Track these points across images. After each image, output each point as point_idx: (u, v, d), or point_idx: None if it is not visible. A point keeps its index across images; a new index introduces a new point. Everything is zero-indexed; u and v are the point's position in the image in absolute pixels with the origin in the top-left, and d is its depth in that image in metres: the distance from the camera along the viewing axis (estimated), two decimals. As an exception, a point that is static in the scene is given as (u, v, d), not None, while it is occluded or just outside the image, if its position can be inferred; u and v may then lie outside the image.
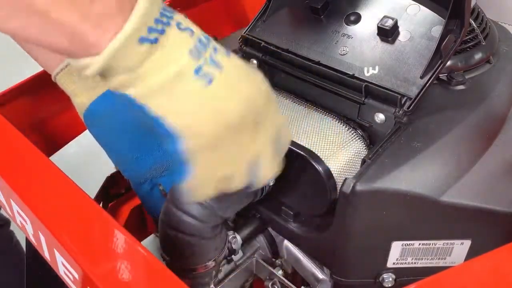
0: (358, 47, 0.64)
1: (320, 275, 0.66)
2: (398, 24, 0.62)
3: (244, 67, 0.45)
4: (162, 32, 0.40)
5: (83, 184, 0.55)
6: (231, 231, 0.65)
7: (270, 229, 0.69)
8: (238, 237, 0.65)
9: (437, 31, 0.60)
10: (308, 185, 0.59)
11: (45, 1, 0.36)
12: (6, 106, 0.74)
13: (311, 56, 0.66)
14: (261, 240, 0.69)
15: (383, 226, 0.55)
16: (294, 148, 0.58)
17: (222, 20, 1.06)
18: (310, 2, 0.69)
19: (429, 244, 0.56)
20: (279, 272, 0.67)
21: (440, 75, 0.62)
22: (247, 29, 0.73)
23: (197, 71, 0.41)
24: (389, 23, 0.61)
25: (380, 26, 0.62)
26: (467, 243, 0.57)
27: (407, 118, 0.58)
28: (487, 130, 0.60)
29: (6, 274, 1.03)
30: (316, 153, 0.57)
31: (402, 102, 0.58)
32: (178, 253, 0.58)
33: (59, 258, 0.50)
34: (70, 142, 0.86)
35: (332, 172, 0.57)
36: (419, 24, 0.62)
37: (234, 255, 0.66)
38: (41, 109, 0.80)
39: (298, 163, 0.58)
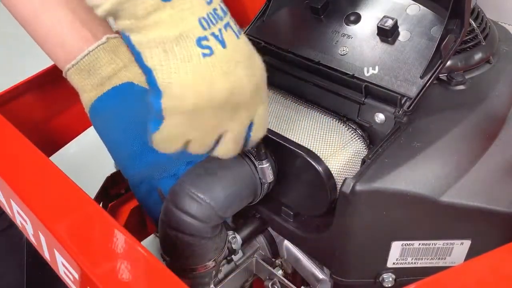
0: (358, 47, 0.64)
1: (320, 275, 0.66)
2: (398, 24, 0.62)
3: (247, 53, 0.45)
4: None
5: (83, 184, 0.55)
6: (231, 231, 0.65)
7: (270, 229, 0.69)
8: (238, 237, 0.65)
9: (437, 31, 0.60)
10: (308, 185, 0.59)
11: None
12: (6, 106, 0.74)
13: (311, 56, 0.66)
14: (261, 240, 0.69)
15: (383, 226, 0.55)
16: (294, 148, 0.58)
17: (222, 20, 1.05)
18: (310, 2, 0.69)
19: (429, 244, 0.56)
20: (279, 272, 0.67)
21: (440, 75, 0.62)
22: (247, 29, 0.73)
23: (201, 40, 0.42)
24: (389, 23, 0.61)
25: (380, 26, 0.62)
26: (467, 243, 0.57)
27: (407, 118, 0.58)
28: (487, 130, 0.60)
29: (13, 274, 1.03)
30: (316, 153, 0.57)
31: (402, 102, 0.58)
32: (178, 253, 0.58)
33: (59, 258, 0.50)
34: (70, 142, 0.86)
35: (332, 172, 0.57)
36: (419, 24, 0.62)
37: (234, 255, 0.66)
38: (41, 109, 0.80)
39: (298, 163, 0.58)
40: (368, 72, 0.61)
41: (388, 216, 0.54)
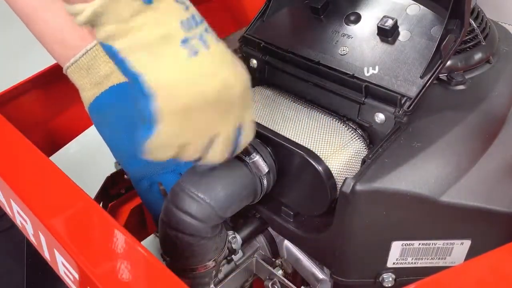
0: (358, 47, 0.64)
1: (320, 275, 0.66)
2: (398, 24, 0.62)
3: (229, 55, 0.46)
4: None
5: (83, 184, 0.55)
6: (231, 231, 0.65)
7: (270, 229, 0.69)
8: (238, 237, 0.65)
9: (437, 31, 0.60)
10: (308, 185, 0.59)
11: None
12: (6, 106, 0.74)
13: (311, 56, 0.66)
14: (261, 240, 0.69)
15: (383, 226, 0.55)
16: (294, 148, 0.58)
17: (222, 20, 1.06)
18: (310, 2, 0.69)
19: (429, 244, 0.56)
20: (279, 272, 0.67)
21: (440, 75, 0.62)
22: (247, 29, 0.73)
23: (185, 41, 0.43)
24: (389, 23, 0.61)
25: (380, 26, 0.62)
26: (467, 243, 0.57)
27: (407, 118, 0.58)
28: (487, 130, 0.60)
29: (14, 274, 1.03)
30: (316, 153, 0.57)
31: (402, 102, 0.58)
32: (178, 253, 0.58)
33: (59, 258, 0.50)
34: (70, 142, 0.86)
35: (332, 172, 0.57)
36: (419, 24, 0.62)
37: (234, 255, 0.66)
38: (41, 109, 0.80)
39: (298, 163, 0.58)
40: (368, 72, 0.61)
41: (388, 216, 0.54)
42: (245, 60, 0.74)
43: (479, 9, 0.69)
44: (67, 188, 0.53)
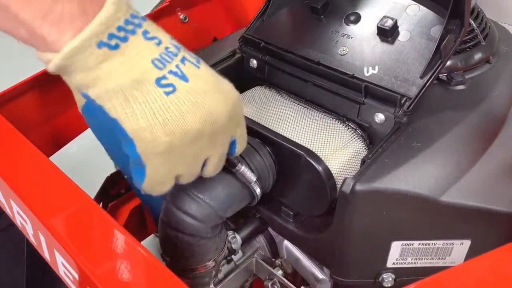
0: (358, 47, 0.64)
1: (320, 275, 0.66)
2: (398, 24, 0.62)
3: (212, 81, 0.46)
4: (124, 39, 0.41)
5: (83, 184, 0.55)
6: (231, 231, 0.65)
7: (270, 229, 0.69)
8: (238, 237, 0.65)
9: (437, 31, 0.60)
10: (308, 185, 0.59)
11: None
12: (6, 106, 0.74)
13: (311, 56, 0.66)
14: (261, 240, 0.69)
15: (383, 226, 0.55)
16: (294, 148, 0.58)
17: (222, 20, 1.06)
18: (310, 2, 0.69)
19: (429, 244, 0.56)
20: (279, 272, 0.67)
21: (440, 75, 0.62)
22: (247, 29, 0.73)
23: (159, 80, 0.42)
24: (389, 23, 0.61)
25: (380, 26, 0.62)
26: (467, 243, 0.57)
27: (407, 118, 0.58)
28: (487, 130, 0.60)
29: (14, 274, 1.03)
30: (316, 153, 0.57)
31: (402, 102, 0.58)
32: (178, 253, 0.58)
33: (59, 258, 0.50)
34: (70, 142, 0.86)
35: (332, 172, 0.57)
36: (419, 24, 0.62)
37: (234, 255, 0.66)
38: (41, 109, 0.80)
39: (298, 163, 0.58)
40: (368, 72, 0.61)
41: (388, 216, 0.54)
42: (245, 60, 0.74)
43: (479, 9, 0.69)
44: (67, 188, 0.53)
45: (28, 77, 0.77)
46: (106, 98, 0.42)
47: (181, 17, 1.00)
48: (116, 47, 0.41)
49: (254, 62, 0.72)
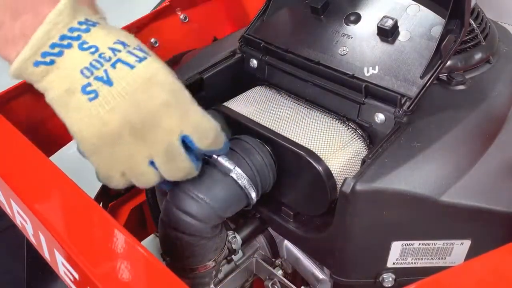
0: (358, 47, 0.64)
1: (320, 275, 0.66)
2: (398, 24, 0.62)
3: (144, 77, 0.48)
4: (59, 54, 0.47)
5: (83, 184, 0.55)
6: (231, 231, 0.65)
7: (270, 229, 0.69)
8: (238, 237, 0.65)
9: (437, 31, 0.60)
10: (308, 185, 0.59)
11: None
12: (6, 106, 0.74)
13: (311, 56, 0.66)
14: (261, 240, 0.69)
15: (383, 226, 0.55)
16: (294, 148, 0.58)
17: (222, 20, 1.06)
18: (310, 2, 0.69)
19: (429, 244, 0.56)
20: (279, 272, 0.67)
21: (440, 75, 0.62)
22: (247, 29, 0.73)
23: (85, 87, 0.47)
24: (389, 23, 0.61)
25: (380, 26, 0.62)
26: (467, 243, 0.57)
27: (407, 118, 0.58)
28: (487, 130, 0.60)
29: (14, 274, 1.03)
30: (316, 153, 0.57)
31: (402, 102, 0.58)
32: (178, 253, 0.58)
33: (59, 258, 0.50)
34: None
35: (332, 172, 0.57)
36: (419, 24, 0.62)
37: (234, 255, 0.66)
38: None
39: (298, 163, 0.58)
40: (368, 72, 0.61)
41: (388, 216, 0.54)
42: (245, 60, 0.74)
43: (479, 9, 0.69)
44: (67, 188, 0.53)
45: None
46: (54, 105, 0.48)
47: (181, 17, 1.00)
48: (52, 62, 0.47)
49: (254, 62, 0.72)
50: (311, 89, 0.66)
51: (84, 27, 0.48)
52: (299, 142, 0.59)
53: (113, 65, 0.47)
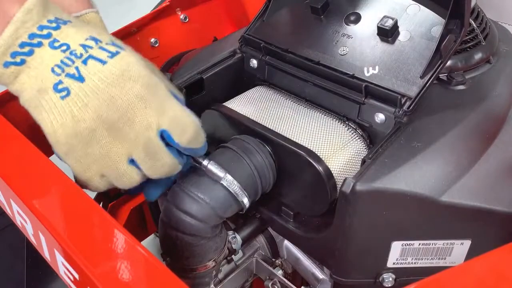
0: (358, 47, 0.64)
1: (320, 275, 0.66)
2: (398, 24, 0.62)
3: (117, 71, 0.47)
4: (30, 53, 0.46)
5: (83, 184, 0.55)
6: (231, 231, 0.65)
7: (270, 229, 0.69)
8: (238, 237, 0.65)
9: (437, 31, 0.60)
10: (308, 185, 0.59)
11: None
12: (6, 106, 0.74)
13: (311, 56, 0.66)
14: (261, 240, 0.69)
15: (383, 226, 0.55)
16: (294, 148, 0.58)
17: (222, 20, 1.06)
18: (310, 2, 0.69)
19: (429, 244, 0.56)
20: (279, 272, 0.67)
21: (440, 75, 0.62)
22: (247, 29, 0.73)
23: (56, 85, 0.46)
24: (389, 23, 0.61)
25: (380, 26, 0.62)
26: (467, 243, 0.57)
27: (407, 118, 0.58)
28: (487, 130, 0.60)
29: (14, 274, 1.03)
30: (316, 153, 0.57)
31: (402, 102, 0.58)
32: (178, 253, 0.58)
33: (59, 258, 0.50)
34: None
35: (332, 172, 0.57)
36: (419, 24, 0.62)
37: (234, 255, 0.66)
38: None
39: (298, 163, 0.58)
40: (368, 72, 0.61)
41: (388, 216, 0.54)
42: (245, 60, 0.74)
43: (479, 9, 0.69)
44: (67, 188, 0.53)
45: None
46: (28, 106, 0.47)
47: (181, 17, 1.00)
48: (22, 62, 0.46)
49: (254, 62, 0.72)
50: (311, 89, 0.66)
51: (54, 25, 0.47)
52: (299, 142, 0.59)
53: (85, 62, 0.47)
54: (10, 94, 0.78)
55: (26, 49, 0.46)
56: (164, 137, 0.50)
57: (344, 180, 0.53)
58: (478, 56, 0.66)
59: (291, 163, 0.59)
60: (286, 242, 0.68)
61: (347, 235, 0.56)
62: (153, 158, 0.50)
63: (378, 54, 0.62)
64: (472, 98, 0.62)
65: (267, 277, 0.67)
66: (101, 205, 0.91)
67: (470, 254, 0.57)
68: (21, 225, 0.58)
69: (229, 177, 0.56)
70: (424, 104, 0.59)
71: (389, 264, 0.58)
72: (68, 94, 0.46)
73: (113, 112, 0.47)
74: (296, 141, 0.59)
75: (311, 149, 0.58)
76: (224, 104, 0.68)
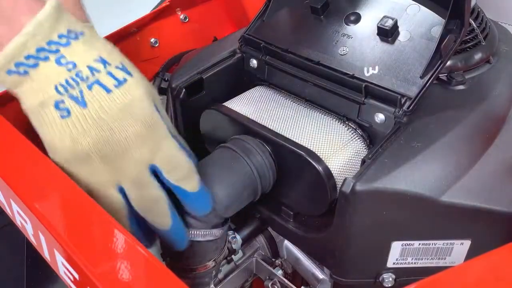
0: (358, 47, 0.64)
1: (320, 275, 0.66)
2: (398, 24, 0.62)
3: (119, 105, 0.47)
4: (34, 66, 0.46)
5: (83, 184, 0.55)
6: (231, 231, 0.65)
7: (270, 229, 0.69)
8: (238, 237, 0.65)
9: (437, 31, 0.60)
10: (308, 185, 0.59)
11: None
12: (6, 106, 0.74)
13: (311, 56, 0.66)
14: (261, 240, 0.69)
15: (383, 226, 0.55)
16: (294, 148, 0.58)
17: (222, 20, 1.06)
18: (310, 2, 0.69)
19: (429, 244, 0.56)
20: (279, 272, 0.67)
21: (440, 75, 0.62)
22: (247, 29, 0.73)
23: (58, 103, 0.46)
24: (389, 23, 0.61)
25: (380, 26, 0.62)
26: (467, 243, 0.57)
27: (407, 118, 0.58)
28: (487, 130, 0.60)
29: (14, 274, 1.03)
30: (316, 153, 0.57)
31: (402, 102, 0.58)
32: (178, 253, 0.58)
33: (59, 258, 0.50)
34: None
35: (332, 172, 0.57)
36: (419, 24, 0.62)
37: (234, 255, 0.66)
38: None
39: (298, 163, 0.58)
40: (368, 72, 0.61)
41: (388, 216, 0.54)
42: (245, 60, 0.74)
43: (479, 9, 0.69)
44: (67, 188, 0.53)
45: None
46: (29, 114, 0.48)
47: (181, 17, 1.00)
48: (25, 73, 0.46)
49: (254, 62, 0.72)
50: (311, 89, 0.66)
51: (64, 41, 0.47)
52: (299, 142, 0.59)
53: (90, 87, 0.47)
54: (10, 94, 0.78)
55: (31, 61, 0.46)
56: (156, 172, 0.51)
57: (344, 180, 0.53)
58: (478, 56, 0.66)
59: (291, 163, 0.59)
60: (286, 242, 0.68)
61: (347, 235, 0.56)
62: (141, 190, 0.51)
63: (378, 54, 0.62)
64: (472, 98, 0.62)
65: (267, 277, 0.67)
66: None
67: (470, 254, 0.57)
68: (21, 225, 0.58)
69: (198, 233, 0.57)
70: (424, 104, 0.59)
71: (389, 264, 0.58)
72: (69, 115, 0.47)
73: (109, 144, 0.48)
74: (296, 141, 0.59)
75: (311, 149, 0.58)
76: (224, 104, 0.68)
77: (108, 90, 0.47)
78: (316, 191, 0.58)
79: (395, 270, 0.58)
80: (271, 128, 0.62)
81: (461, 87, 0.63)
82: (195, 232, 0.56)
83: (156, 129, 0.49)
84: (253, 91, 0.71)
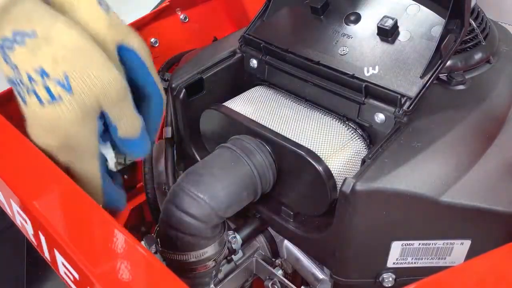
0: (358, 47, 0.64)
1: (320, 275, 0.66)
2: (398, 24, 0.62)
3: (44, 123, 0.51)
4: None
5: (83, 184, 0.55)
6: (231, 231, 0.65)
7: (270, 229, 0.69)
8: (238, 237, 0.65)
9: (437, 31, 0.60)
10: (308, 185, 0.59)
11: None
12: (6, 106, 0.74)
13: (311, 56, 0.66)
14: (261, 240, 0.69)
15: (383, 226, 0.55)
16: (294, 148, 0.58)
17: (222, 20, 1.06)
18: (310, 2, 0.69)
19: (429, 244, 0.56)
20: (279, 272, 0.67)
21: (440, 75, 0.62)
22: (247, 29, 0.73)
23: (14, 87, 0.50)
24: (389, 23, 0.61)
25: (380, 26, 0.62)
26: (467, 243, 0.57)
27: (407, 118, 0.58)
28: (487, 130, 0.60)
29: (14, 274, 1.03)
30: (316, 153, 0.57)
31: (402, 102, 0.58)
32: (172, 243, 0.57)
33: (59, 258, 0.50)
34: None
35: (332, 172, 0.57)
36: (419, 24, 0.62)
37: (234, 255, 0.66)
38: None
39: (298, 163, 0.58)
40: (368, 72, 0.61)
41: (388, 216, 0.54)
42: (245, 60, 0.74)
43: (479, 9, 0.69)
44: (67, 188, 0.53)
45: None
46: None
47: (181, 17, 1.00)
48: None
49: (254, 62, 0.72)
50: (311, 89, 0.66)
51: (8, 44, 0.47)
52: (299, 142, 0.59)
53: (28, 92, 0.49)
54: (10, 94, 0.78)
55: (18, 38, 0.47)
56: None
57: (344, 180, 0.53)
58: (478, 56, 0.66)
59: (291, 163, 0.59)
60: (286, 242, 0.68)
61: (347, 235, 0.56)
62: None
63: (378, 54, 0.62)
64: (472, 98, 0.62)
65: (267, 277, 0.67)
66: (101, 205, 0.91)
67: (470, 254, 0.57)
68: (21, 225, 0.58)
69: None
70: (424, 104, 0.59)
71: (389, 264, 0.58)
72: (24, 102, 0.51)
73: (71, 142, 0.52)
74: (296, 141, 0.59)
75: (311, 149, 0.58)
76: (224, 104, 0.68)
77: (41, 102, 0.49)
78: (316, 191, 0.58)
79: (395, 270, 0.58)
80: (271, 128, 0.62)
81: (461, 87, 0.63)
82: None
83: (79, 147, 0.53)
84: (253, 91, 0.71)
